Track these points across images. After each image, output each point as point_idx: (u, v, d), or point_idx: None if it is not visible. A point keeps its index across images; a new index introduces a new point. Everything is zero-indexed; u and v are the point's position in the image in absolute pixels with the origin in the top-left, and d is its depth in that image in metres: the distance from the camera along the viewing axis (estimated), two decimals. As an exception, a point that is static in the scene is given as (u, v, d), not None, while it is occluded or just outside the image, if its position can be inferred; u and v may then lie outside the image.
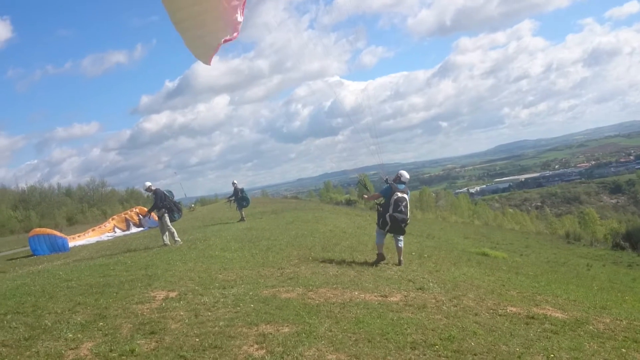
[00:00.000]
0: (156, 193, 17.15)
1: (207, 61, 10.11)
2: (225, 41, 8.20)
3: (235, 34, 8.06)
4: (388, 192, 11.87)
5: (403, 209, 11.66)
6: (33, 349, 5.91)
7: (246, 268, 11.16)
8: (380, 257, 11.95)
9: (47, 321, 7.09)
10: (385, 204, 11.83)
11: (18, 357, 5.67)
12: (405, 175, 12.17)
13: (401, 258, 11.99)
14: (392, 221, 11.64)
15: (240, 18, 7.84)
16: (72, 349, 5.93)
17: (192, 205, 56.10)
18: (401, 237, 11.95)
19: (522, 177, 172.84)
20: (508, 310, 7.59)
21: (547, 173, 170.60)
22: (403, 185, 11.97)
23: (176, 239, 16.99)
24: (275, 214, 30.42)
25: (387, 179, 12.21)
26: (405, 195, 11.82)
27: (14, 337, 6.39)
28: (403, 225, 11.76)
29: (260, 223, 23.95)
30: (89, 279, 10.60)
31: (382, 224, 11.83)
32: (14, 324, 7.04)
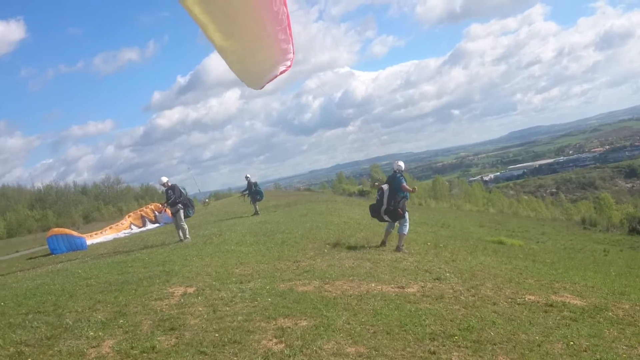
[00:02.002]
0: (173, 188, 17.29)
1: (258, 88, 10.61)
2: (281, 72, 8.55)
3: (289, 64, 8.35)
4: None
5: (378, 197, 13.05)
6: (55, 348, 5.98)
7: (262, 262, 11.21)
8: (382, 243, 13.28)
9: (68, 320, 7.17)
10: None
11: (41, 356, 5.74)
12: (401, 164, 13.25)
13: (399, 244, 12.75)
14: (376, 212, 13.19)
15: (291, 49, 8.16)
16: (93, 347, 6.00)
17: (206, 200, 56.22)
18: (401, 223, 12.89)
19: (536, 163, 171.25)
20: (526, 299, 7.56)
21: (562, 159, 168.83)
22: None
23: (187, 235, 17.11)
24: (289, 206, 30.48)
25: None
26: (382, 186, 13.08)
27: (36, 337, 6.48)
28: (380, 213, 13.01)
29: (275, 216, 24.00)
30: (108, 277, 10.71)
31: (372, 211, 13.44)
32: (35, 323, 7.12)
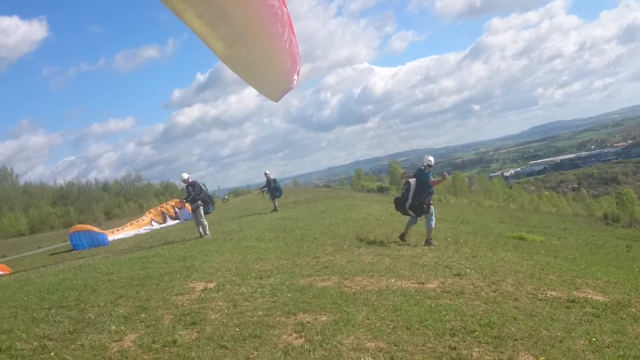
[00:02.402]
0: (194, 185, 17.43)
1: (276, 99, 10.97)
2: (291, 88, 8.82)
3: (296, 78, 8.59)
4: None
5: (404, 191, 13.18)
6: (78, 342, 6.07)
7: (282, 258, 11.25)
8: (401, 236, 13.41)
9: (90, 314, 7.27)
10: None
11: (64, 350, 5.83)
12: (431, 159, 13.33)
13: (428, 237, 13.02)
14: (401, 205, 13.29)
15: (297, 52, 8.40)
16: (115, 341, 6.08)
17: (226, 196, 56.64)
18: (427, 218, 13.03)
19: (558, 158, 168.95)
20: (548, 295, 7.48)
21: (583, 154, 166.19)
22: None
23: (207, 232, 17.25)
24: (307, 203, 30.53)
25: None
26: (410, 180, 13.17)
27: (58, 331, 6.58)
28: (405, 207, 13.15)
29: (294, 213, 24.06)
30: (129, 272, 10.84)
31: (397, 205, 13.64)
32: (58, 317, 7.23)
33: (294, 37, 9.54)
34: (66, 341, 6.16)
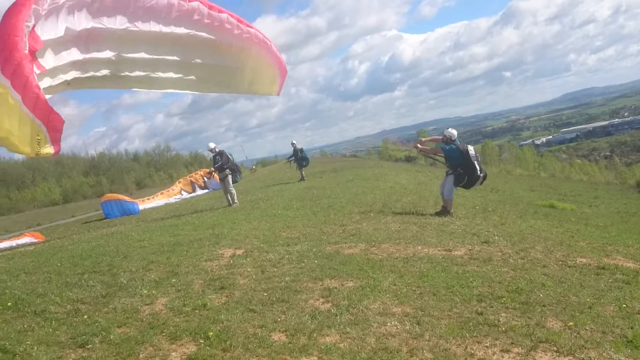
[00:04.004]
0: (221, 154, 17.60)
1: (278, 92, 12.25)
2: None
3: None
4: (458, 153, 11.87)
5: (482, 167, 12.20)
6: (110, 306, 6.24)
7: (308, 226, 11.32)
8: (448, 212, 12.00)
9: (122, 279, 7.46)
10: (465, 164, 12.04)
11: (96, 313, 6.00)
12: (455, 133, 12.51)
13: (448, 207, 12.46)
14: (482, 179, 12.25)
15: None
16: (147, 304, 6.23)
17: (253, 166, 57.05)
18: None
19: (590, 126, 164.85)
20: (578, 262, 7.39)
21: (616, 121, 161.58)
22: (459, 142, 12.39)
23: (235, 200, 17.45)
24: (334, 172, 30.54)
25: (444, 138, 12.31)
26: (468, 147, 12.18)
27: (91, 295, 6.76)
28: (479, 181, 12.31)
29: (320, 182, 24.11)
30: (160, 239, 11.05)
31: (467, 183, 12.24)
32: (91, 282, 7.43)
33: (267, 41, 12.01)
34: (99, 305, 6.33)
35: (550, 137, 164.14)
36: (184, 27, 10.78)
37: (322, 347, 4.58)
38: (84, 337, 5.12)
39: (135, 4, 10.01)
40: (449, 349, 4.44)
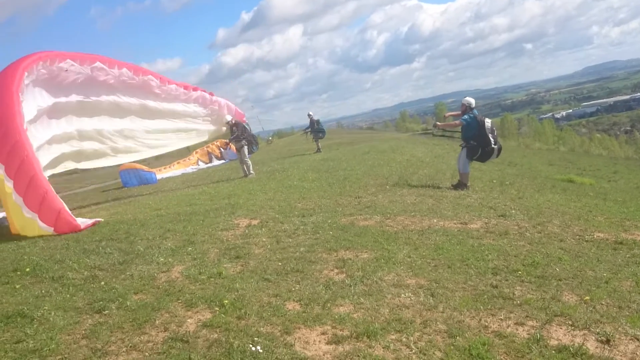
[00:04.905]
0: (237, 125, 17.64)
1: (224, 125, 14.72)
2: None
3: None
4: (475, 123, 11.71)
5: (497, 140, 11.94)
6: (127, 272, 6.31)
7: (324, 197, 11.32)
8: (464, 186, 11.92)
9: (139, 247, 7.54)
10: (479, 135, 11.77)
11: (113, 279, 6.08)
12: (473, 101, 12.29)
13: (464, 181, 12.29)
14: (498, 152, 11.98)
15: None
16: (163, 272, 6.30)
17: (270, 138, 57.02)
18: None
19: (611, 100, 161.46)
20: (595, 236, 7.30)
21: (638, 95, 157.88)
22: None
23: (251, 171, 17.52)
24: (351, 144, 30.42)
25: (465, 110, 12.09)
26: (485, 120, 11.89)
27: (109, 262, 6.85)
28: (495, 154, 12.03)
29: (337, 154, 24.04)
30: (177, 208, 11.14)
31: (482, 156, 11.98)
32: (108, 249, 7.51)
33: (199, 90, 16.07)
34: (116, 271, 6.42)
35: (571, 110, 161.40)
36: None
37: (336, 316, 4.60)
38: (101, 302, 5.20)
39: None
40: (463, 321, 4.44)
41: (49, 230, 9.14)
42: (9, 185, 9.43)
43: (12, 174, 9.39)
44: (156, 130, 15.07)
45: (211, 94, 17.66)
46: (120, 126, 12.50)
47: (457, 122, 12.26)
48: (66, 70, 11.49)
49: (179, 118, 16.19)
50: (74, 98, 11.47)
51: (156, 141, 15.24)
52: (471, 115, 11.87)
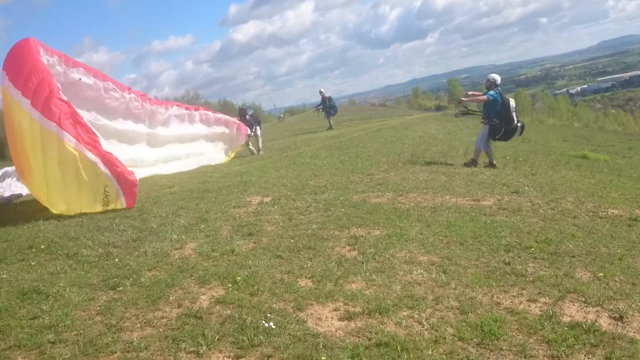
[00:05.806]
0: (251, 118, 18.53)
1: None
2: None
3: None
4: (500, 99, 11.63)
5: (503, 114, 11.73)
6: (141, 249, 6.38)
7: (336, 174, 11.31)
8: (475, 163, 11.86)
9: (152, 224, 7.61)
10: (502, 112, 11.71)
11: (127, 256, 6.15)
12: (499, 78, 12.14)
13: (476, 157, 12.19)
14: (521, 130, 12.03)
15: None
16: (177, 248, 6.36)
17: (282, 115, 56.86)
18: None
19: (627, 75, 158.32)
20: (609, 213, 7.25)
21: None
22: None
23: (260, 147, 18.08)
24: (363, 121, 30.28)
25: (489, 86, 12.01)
26: (510, 100, 11.92)
27: (123, 239, 6.92)
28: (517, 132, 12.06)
29: (348, 131, 23.95)
30: (189, 186, 11.19)
31: (505, 135, 11.93)
32: (122, 227, 7.60)
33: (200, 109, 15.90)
34: (130, 248, 6.49)
35: (585, 86, 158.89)
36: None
37: (348, 293, 4.63)
38: (115, 279, 5.26)
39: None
40: (475, 298, 4.44)
41: (122, 199, 9.06)
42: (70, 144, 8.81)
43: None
44: (166, 158, 14.90)
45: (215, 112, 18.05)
46: (127, 155, 11.80)
47: (484, 97, 12.08)
48: (79, 79, 11.24)
49: (187, 142, 16.02)
50: (85, 115, 10.66)
51: (165, 165, 14.82)
52: (497, 91, 11.79)
